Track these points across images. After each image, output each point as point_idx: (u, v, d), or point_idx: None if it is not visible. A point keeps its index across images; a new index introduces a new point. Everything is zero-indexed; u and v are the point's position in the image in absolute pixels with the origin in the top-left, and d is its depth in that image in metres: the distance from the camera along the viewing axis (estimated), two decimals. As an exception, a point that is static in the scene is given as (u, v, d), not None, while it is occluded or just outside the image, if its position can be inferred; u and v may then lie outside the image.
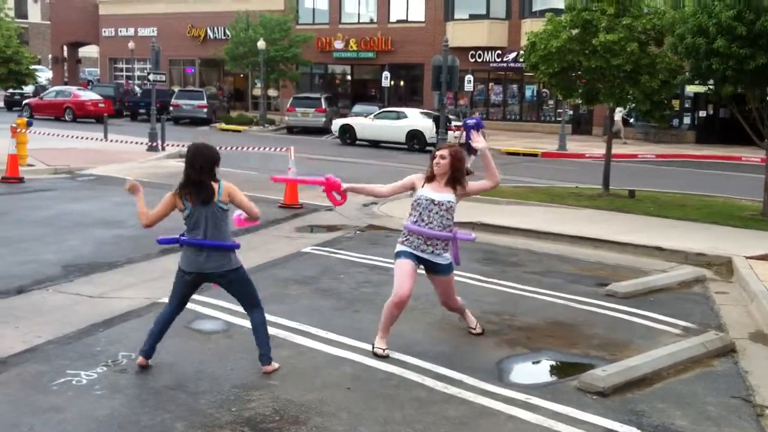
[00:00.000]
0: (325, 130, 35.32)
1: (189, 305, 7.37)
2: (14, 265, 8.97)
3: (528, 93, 40.96)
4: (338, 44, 43.96)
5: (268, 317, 7.11)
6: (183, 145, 23.21)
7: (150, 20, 49.85)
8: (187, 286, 5.83)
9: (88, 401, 5.21)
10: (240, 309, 7.30)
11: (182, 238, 5.70)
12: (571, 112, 35.99)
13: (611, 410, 5.34)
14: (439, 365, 6.05)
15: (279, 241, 11.03)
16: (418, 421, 5.07)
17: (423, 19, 41.85)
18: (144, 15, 50.44)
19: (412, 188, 6.48)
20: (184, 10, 48.71)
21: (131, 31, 50.97)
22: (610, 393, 5.59)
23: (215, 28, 47.56)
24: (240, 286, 5.89)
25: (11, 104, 42.26)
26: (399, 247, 6.45)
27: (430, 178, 6.40)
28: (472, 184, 6.48)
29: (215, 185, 5.60)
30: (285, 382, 5.65)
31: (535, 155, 28.50)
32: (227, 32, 43.09)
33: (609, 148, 16.81)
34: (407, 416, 5.14)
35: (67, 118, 37.13)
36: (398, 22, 42.89)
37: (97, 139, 24.08)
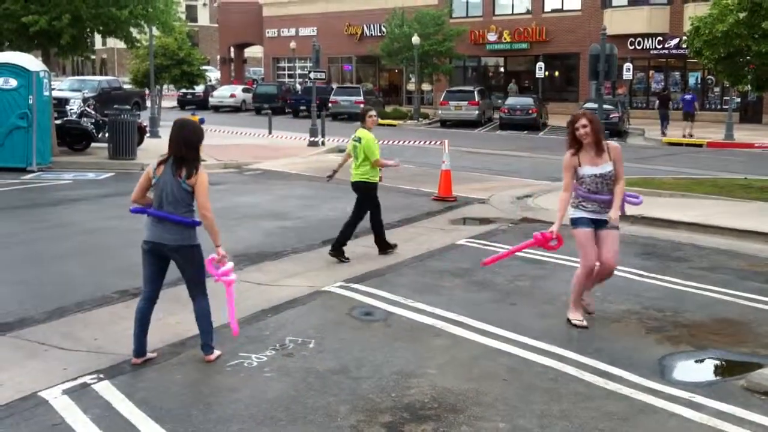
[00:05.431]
0: (478, 123, 35.28)
1: (349, 294, 7.73)
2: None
3: (692, 80, 39.08)
4: (491, 36, 43.70)
5: (425, 307, 7.30)
6: (344, 141, 24.01)
7: (310, 20, 51.52)
8: (148, 259, 5.86)
9: (258, 382, 5.56)
10: (400, 299, 7.55)
11: (149, 209, 5.81)
12: (738, 100, 34.01)
13: (783, 412, 5.10)
14: (598, 360, 5.97)
15: (434, 233, 11.18)
16: (576, 415, 5.05)
17: (579, 8, 40.86)
18: (304, 15, 52.24)
19: (575, 169, 6.68)
20: (342, 9, 50.09)
21: (292, 31, 52.96)
22: (781, 394, 5.34)
23: (371, 26, 48.59)
24: (191, 266, 5.89)
25: (184, 103, 44.90)
26: (574, 213, 6.74)
27: (579, 150, 6.61)
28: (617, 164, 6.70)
29: (191, 165, 5.67)
30: (443, 371, 5.77)
31: (700, 145, 27.15)
32: (383, 29, 43.87)
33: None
34: (565, 410, 5.12)
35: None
36: (553, 11, 42.07)
37: (262, 135, 25.24)
